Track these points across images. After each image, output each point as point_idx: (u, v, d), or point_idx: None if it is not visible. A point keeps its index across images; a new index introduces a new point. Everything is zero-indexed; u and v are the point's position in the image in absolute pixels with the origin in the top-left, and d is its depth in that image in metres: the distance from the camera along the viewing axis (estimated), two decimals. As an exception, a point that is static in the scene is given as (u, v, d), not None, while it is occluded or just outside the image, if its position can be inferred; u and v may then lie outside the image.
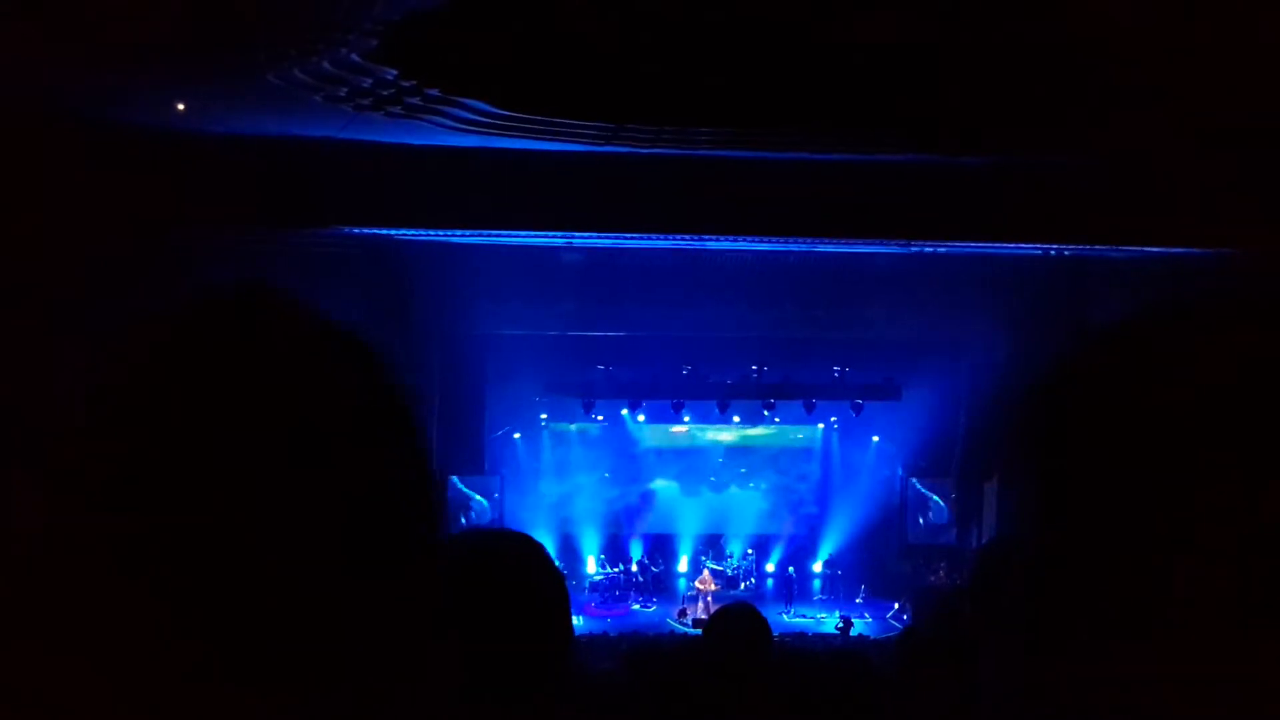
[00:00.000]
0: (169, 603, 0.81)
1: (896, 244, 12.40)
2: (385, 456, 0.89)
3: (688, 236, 11.97)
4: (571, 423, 15.61)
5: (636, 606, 14.67)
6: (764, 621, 3.96)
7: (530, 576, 1.90)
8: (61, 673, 0.81)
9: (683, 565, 15.65)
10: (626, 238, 12.25)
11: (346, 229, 11.50)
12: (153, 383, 0.85)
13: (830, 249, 12.72)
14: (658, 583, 15.14)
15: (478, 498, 14.68)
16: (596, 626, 13.11)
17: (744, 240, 12.28)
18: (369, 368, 0.92)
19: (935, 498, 15.43)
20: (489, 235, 11.94)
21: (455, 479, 14.65)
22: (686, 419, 15.59)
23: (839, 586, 15.14)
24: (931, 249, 12.50)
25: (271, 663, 0.82)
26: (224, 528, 0.81)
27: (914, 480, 15.48)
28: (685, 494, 16.09)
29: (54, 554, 0.83)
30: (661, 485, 16.05)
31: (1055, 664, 0.92)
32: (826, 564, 15.52)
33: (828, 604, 14.83)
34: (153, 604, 0.81)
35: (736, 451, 16.25)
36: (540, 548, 1.98)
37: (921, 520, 15.46)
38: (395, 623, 0.88)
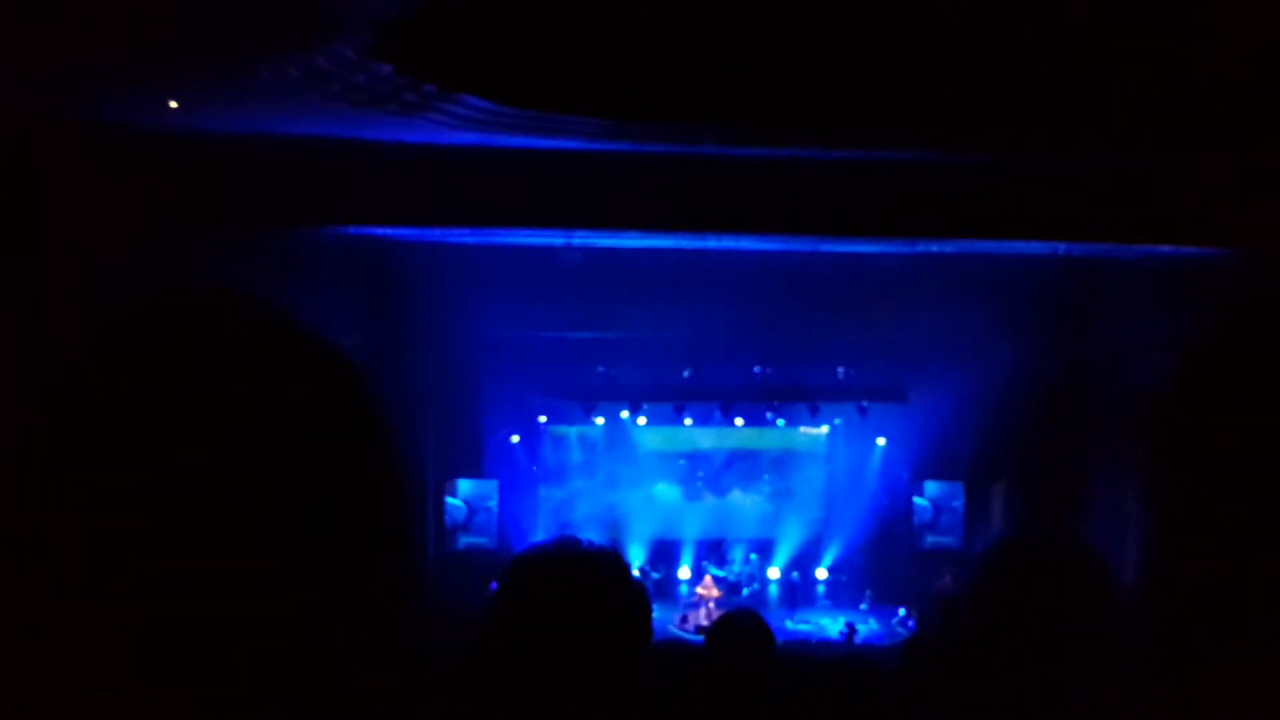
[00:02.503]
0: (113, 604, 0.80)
1: (901, 243, 12.32)
2: (347, 467, 0.88)
3: (689, 235, 11.91)
4: (571, 426, 15.55)
5: (638, 612, 14.59)
6: (767, 628, 3.97)
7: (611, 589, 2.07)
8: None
9: (684, 571, 15.57)
10: (627, 236, 12.18)
11: (342, 228, 11.43)
12: (105, 386, 0.85)
13: (834, 249, 12.64)
14: (659, 589, 15.04)
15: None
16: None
17: (747, 239, 12.21)
18: (337, 375, 0.91)
19: (942, 502, 15.34)
20: (488, 234, 11.88)
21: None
22: (688, 422, 15.50)
23: (843, 592, 15.09)
24: (937, 249, 12.42)
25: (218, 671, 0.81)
26: (171, 531, 0.81)
27: (921, 484, 15.39)
28: (687, 498, 16.02)
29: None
30: (663, 489, 15.97)
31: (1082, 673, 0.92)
32: (831, 569, 15.45)
33: (832, 610, 14.74)
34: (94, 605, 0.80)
35: (739, 455, 16.15)
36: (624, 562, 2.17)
37: (928, 524, 15.37)
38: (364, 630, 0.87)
